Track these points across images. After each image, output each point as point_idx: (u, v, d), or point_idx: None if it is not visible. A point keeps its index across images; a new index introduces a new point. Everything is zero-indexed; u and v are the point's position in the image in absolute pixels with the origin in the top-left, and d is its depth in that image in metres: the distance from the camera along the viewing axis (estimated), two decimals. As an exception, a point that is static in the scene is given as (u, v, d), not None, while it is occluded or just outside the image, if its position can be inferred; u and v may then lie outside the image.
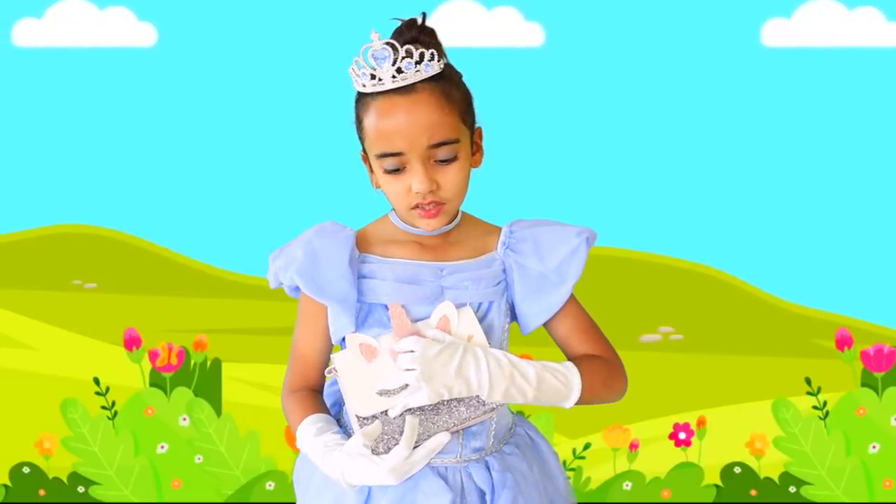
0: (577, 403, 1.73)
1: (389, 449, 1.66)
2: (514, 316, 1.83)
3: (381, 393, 1.67)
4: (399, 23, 1.74)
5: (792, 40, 3.21)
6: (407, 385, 1.66)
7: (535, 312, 1.80)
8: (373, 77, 1.68)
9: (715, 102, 3.23)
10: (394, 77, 1.67)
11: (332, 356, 1.73)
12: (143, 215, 3.30)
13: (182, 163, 3.27)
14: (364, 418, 1.67)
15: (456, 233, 1.80)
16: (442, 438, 1.67)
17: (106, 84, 3.26)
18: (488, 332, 1.74)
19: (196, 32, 3.24)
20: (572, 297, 1.82)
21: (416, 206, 1.71)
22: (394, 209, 1.80)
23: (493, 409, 1.70)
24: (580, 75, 3.21)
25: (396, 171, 1.70)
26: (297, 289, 1.80)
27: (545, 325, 1.82)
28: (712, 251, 3.29)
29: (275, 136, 3.26)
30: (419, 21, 1.73)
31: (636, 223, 3.27)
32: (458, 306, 1.72)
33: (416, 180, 1.68)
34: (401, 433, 1.66)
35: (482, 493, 1.76)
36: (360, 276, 1.74)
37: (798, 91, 3.23)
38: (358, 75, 1.69)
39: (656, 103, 3.23)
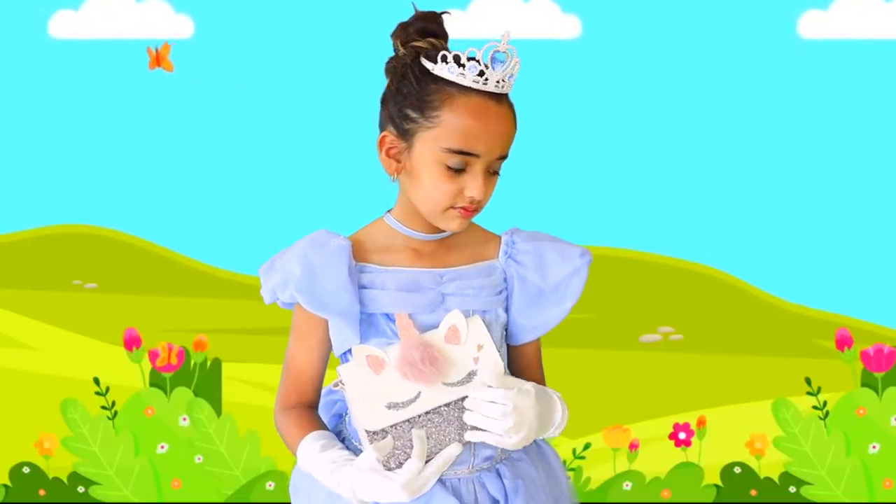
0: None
1: (401, 464, 1.64)
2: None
3: (389, 406, 1.66)
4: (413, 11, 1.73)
5: (829, 32, 3.21)
6: (418, 394, 1.66)
7: (530, 326, 1.79)
8: (481, 74, 1.65)
9: (729, 97, 3.23)
10: (498, 83, 1.66)
11: (338, 369, 1.71)
12: (143, 215, 3.30)
13: (182, 163, 3.27)
14: (373, 433, 1.65)
15: (452, 238, 1.78)
16: (453, 450, 1.67)
17: (109, 81, 3.25)
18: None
19: (222, 28, 3.25)
20: None
21: (458, 207, 1.70)
22: (391, 211, 1.78)
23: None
24: (616, 68, 3.21)
25: (457, 170, 1.67)
26: (291, 302, 1.78)
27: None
28: (712, 251, 3.29)
29: (276, 135, 3.26)
30: (438, 16, 1.73)
31: (636, 223, 3.27)
32: (465, 315, 1.72)
33: (475, 186, 1.67)
34: (412, 448, 1.65)
35: (495, 502, 1.75)
36: (360, 287, 1.71)
37: (807, 86, 3.23)
38: (462, 63, 1.66)
39: (683, 98, 3.23)
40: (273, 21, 3.22)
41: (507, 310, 1.78)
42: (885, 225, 3.26)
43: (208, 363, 3.34)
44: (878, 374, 3.31)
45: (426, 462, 1.65)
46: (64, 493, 3.37)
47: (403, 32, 1.72)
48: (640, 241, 3.28)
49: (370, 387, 1.67)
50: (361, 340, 1.71)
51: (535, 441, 1.85)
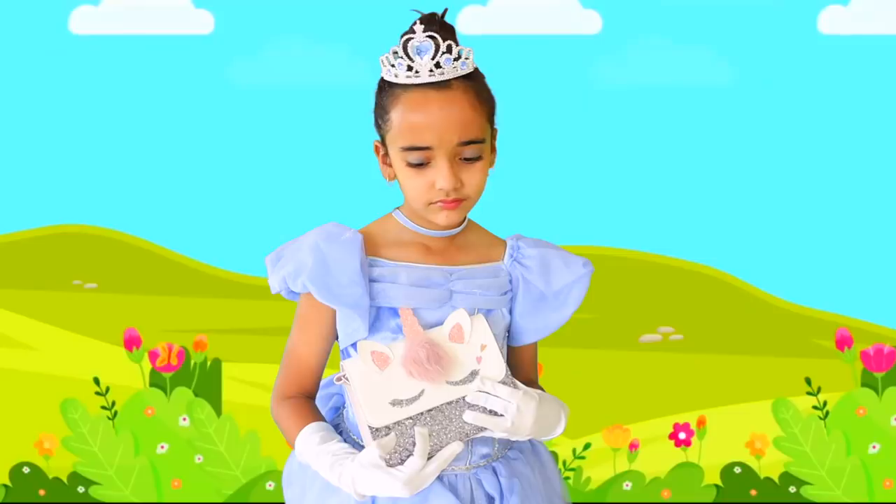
0: None
1: (403, 461, 1.65)
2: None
3: (393, 403, 1.67)
4: (418, 15, 1.73)
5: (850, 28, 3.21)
6: (422, 392, 1.68)
7: (530, 329, 1.82)
8: (409, 69, 1.67)
9: (737, 95, 3.23)
10: (431, 71, 1.67)
11: (342, 363, 1.71)
12: (143, 215, 3.30)
13: (182, 163, 3.27)
14: (376, 429, 1.66)
15: (462, 237, 1.80)
16: (455, 448, 1.68)
17: (111, 81, 3.26)
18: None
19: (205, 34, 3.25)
20: None
21: (436, 201, 1.71)
22: (400, 207, 1.79)
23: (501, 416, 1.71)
24: (634, 64, 3.21)
25: (420, 165, 1.69)
26: (295, 292, 1.78)
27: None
28: (712, 251, 3.29)
29: (278, 135, 3.26)
30: (439, 16, 1.72)
31: (636, 223, 3.27)
32: (470, 313, 1.73)
33: (441, 177, 1.68)
34: (414, 445, 1.66)
35: (491, 499, 1.76)
36: (371, 280, 1.72)
37: (809, 85, 3.23)
38: (392, 64, 1.68)
39: (692, 97, 3.23)
40: (289, 19, 3.22)
41: (510, 311, 1.80)
42: (885, 225, 3.26)
43: (208, 363, 3.34)
44: (878, 374, 3.31)
45: (428, 459, 1.66)
46: (64, 493, 3.37)
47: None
48: (640, 241, 3.28)
49: (374, 383, 1.67)
50: (370, 333, 1.72)
51: (530, 441, 1.86)
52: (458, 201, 1.71)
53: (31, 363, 3.35)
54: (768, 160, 3.25)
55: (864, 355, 3.31)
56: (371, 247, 1.76)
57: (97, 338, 3.34)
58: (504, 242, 1.83)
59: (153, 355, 3.33)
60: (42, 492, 3.37)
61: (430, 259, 1.76)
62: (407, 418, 1.67)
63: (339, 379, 1.71)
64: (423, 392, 1.68)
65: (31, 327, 3.34)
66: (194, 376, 3.34)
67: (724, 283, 3.30)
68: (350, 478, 1.65)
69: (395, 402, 1.67)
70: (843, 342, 3.30)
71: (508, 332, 1.82)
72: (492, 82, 1.75)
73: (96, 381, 3.34)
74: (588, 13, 3.21)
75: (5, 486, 3.38)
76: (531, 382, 1.83)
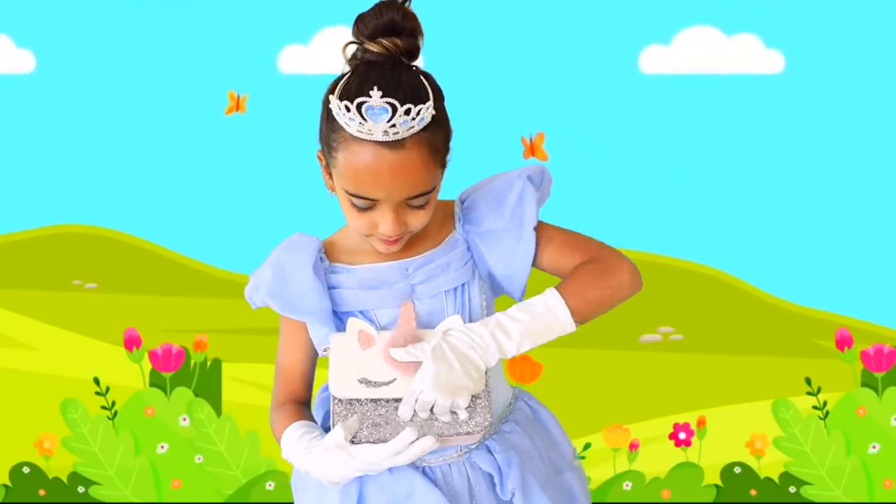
0: (582, 319, 1.68)
1: (371, 435, 1.64)
2: (499, 288, 1.77)
3: (361, 381, 1.67)
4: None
5: None
6: (393, 380, 1.65)
7: (514, 269, 1.73)
8: (362, 125, 1.56)
9: (737, 95, 3.24)
10: (385, 132, 1.56)
11: (331, 336, 1.71)
12: (143, 215, 3.30)
13: (182, 163, 3.27)
14: (338, 400, 1.66)
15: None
16: (427, 443, 1.62)
17: (105, 83, 3.26)
18: (470, 314, 1.72)
19: (194, 35, 3.25)
20: (540, 227, 1.75)
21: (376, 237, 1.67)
22: None
23: (468, 434, 1.66)
24: (820, 102, 3.22)
25: (365, 209, 1.64)
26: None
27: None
28: (712, 251, 3.28)
29: (274, 135, 3.26)
30: (401, 1, 1.62)
31: (636, 223, 3.26)
32: (437, 296, 1.71)
33: (384, 224, 1.63)
34: (382, 419, 1.65)
35: (490, 477, 1.73)
36: (330, 287, 1.71)
37: (796, 93, 3.23)
38: (342, 113, 1.58)
39: (693, 98, 3.24)
40: (280, 22, 3.23)
41: (486, 272, 1.74)
42: (885, 225, 3.25)
43: (208, 363, 3.34)
44: (878, 374, 3.31)
45: (384, 443, 1.62)
46: (64, 493, 3.37)
47: (355, 29, 1.64)
48: (640, 241, 3.28)
49: (350, 358, 1.68)
50: None
51: (531, 407, 1.83)
52: (403, 235, 1.67)
53: (31, 363, 3.35)
54: (767, 161, 3.24)
55: (864, 355, 3.31)
56: (333, 254, 1.75)
57: (97, 338, 3.34)
58: (451, 207, 1.76)
59: (153, 355, 3.33)
60: (42, 492, 3.38)
61: (384, 256, 1.72)
62: (370, 400, 1.66)
63: (325, 350, 1.72)
64: (394, 381, 1.67)
65: (31, 327, 3.34)
66: (194, 376, 3.34)
67: (724, 283, 3.30)
68: (318, 464, 1.64)
69: (363, 381, 1.66)
70: (843, 342, 3.30)
71: (504, 289, 1.76)
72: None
73: (96, 381, 3.34)
74: (771, 52, 3.21)
75: (5, 486, 3.38)
76: (582, 263, 1.73)
